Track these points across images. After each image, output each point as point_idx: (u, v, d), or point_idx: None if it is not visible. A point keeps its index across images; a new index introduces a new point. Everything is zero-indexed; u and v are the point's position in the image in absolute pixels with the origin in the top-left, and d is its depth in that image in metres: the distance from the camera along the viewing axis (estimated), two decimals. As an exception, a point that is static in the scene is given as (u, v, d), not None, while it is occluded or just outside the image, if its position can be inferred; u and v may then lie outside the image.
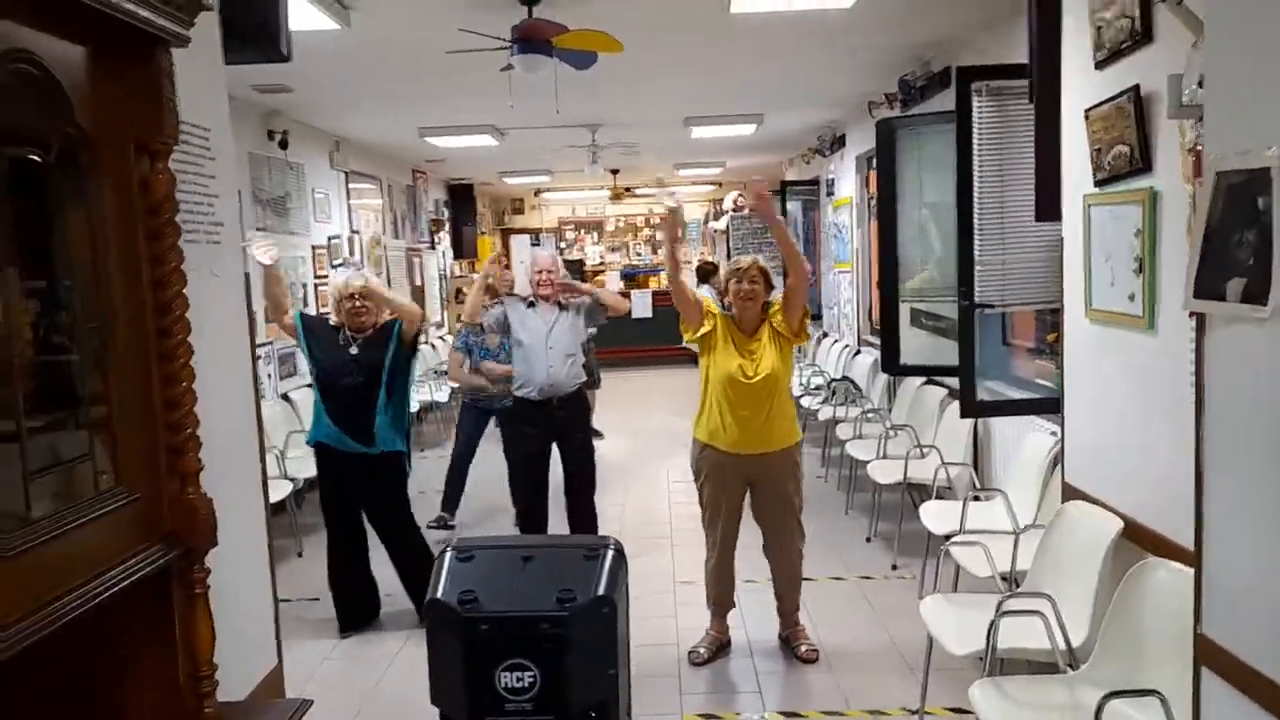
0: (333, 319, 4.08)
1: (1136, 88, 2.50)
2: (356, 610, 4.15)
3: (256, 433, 2.54)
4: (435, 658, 2.08)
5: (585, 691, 1.99)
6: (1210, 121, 1.84)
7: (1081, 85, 2.82)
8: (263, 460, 2.58)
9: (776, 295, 3.72)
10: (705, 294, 7.83)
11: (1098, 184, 2.75)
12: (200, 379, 1.70)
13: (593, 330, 5.21)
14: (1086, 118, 2.74)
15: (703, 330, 3.62)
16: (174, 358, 1.59)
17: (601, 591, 2.00)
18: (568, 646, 1.95)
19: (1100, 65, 2.70)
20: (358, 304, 3.92)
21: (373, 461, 3.97)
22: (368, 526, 4.15)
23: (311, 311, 6.58)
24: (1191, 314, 2.04)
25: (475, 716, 1.98)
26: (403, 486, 4.16)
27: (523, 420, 4.57)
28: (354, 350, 3.94)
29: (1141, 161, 2.51)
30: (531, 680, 1.95)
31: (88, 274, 1.52)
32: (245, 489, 2.45)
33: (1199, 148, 2.23)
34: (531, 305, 4.55)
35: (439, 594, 2.03)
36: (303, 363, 6.75)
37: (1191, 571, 2.14)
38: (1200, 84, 2.03)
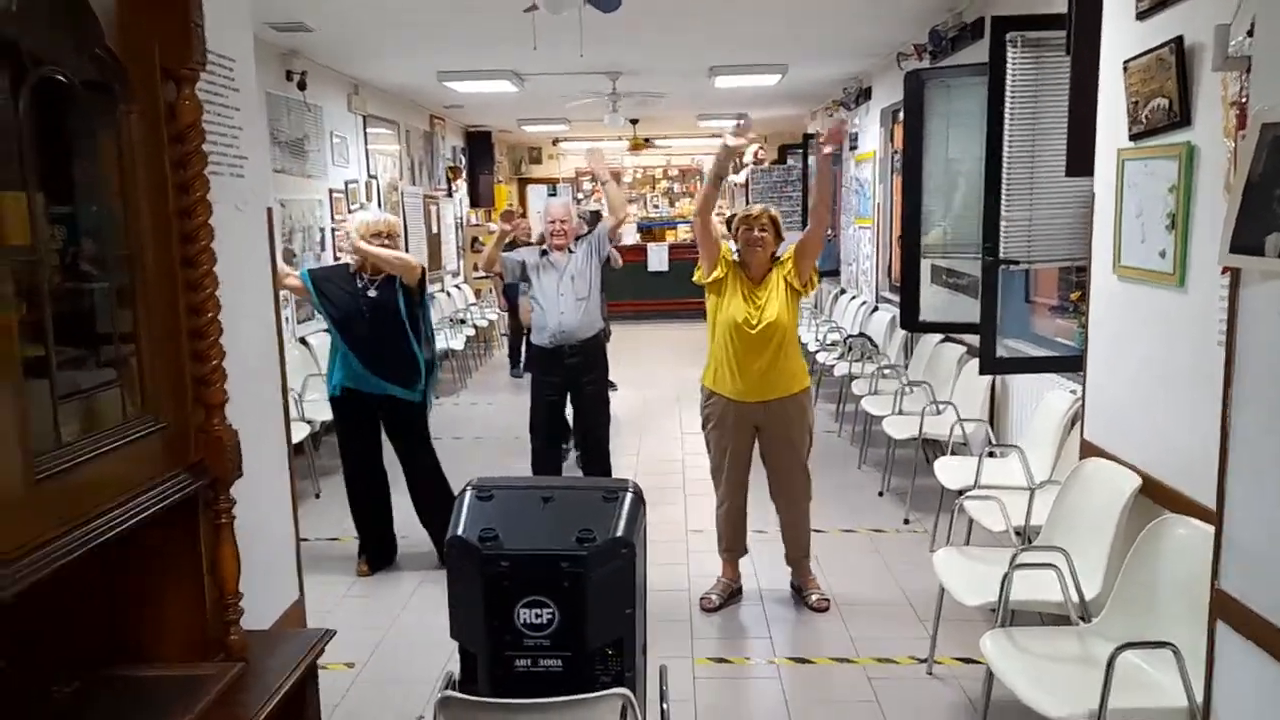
0: (349, 260, 4.06)
1: (1179, 39, 2.43)
2: (377, 552, 4.21)
3: (279, 369, 2.54)
4: (455, 594, 2.11)
5: (602, 629, 2.01)
6: (1258, 72, 1.79)
7: (1121, 36, 2.75)
8: (284, 396, 2.59)
9: (787, 247, 3.70)
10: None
11: (1133, 138, 2.69)
12: (224, 312, 1.70)
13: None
14: (1125, 69, 2.67)
15: (715, 275, 3.61)
16: (200, 288, 1.59)
17: (620, 533, 2.01)
18: (586, 585, 1.97)
19: (1142, 15, 2.62)
20: (383, 244, 3.91)
21: (397, 400, 4.01)
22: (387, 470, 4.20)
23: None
24: (1225, 270, 2.02)
25: (494, 651, 2.01)
26: (425, 422, 4.19)
27: (539, 367, 4.62)
28: (371, 293, 3.94)
29: (1180, 115, 2.45)
30: (550, 617, 1.98)
31: (114, 201, 1.51)
32: (268, 424, 2.47)
33: (1243, 100, 2.17)
34: (545, 254, 4.57)
35: (460, 531, 2.05)
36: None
37: (1209, 529, 2.14)
38: (1250, 33, 1.97)
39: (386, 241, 3.92)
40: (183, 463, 1.57)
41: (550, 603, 1.97)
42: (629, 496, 2.11)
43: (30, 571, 1.17)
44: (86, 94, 1.47)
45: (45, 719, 1.47)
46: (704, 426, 3.78)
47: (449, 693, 1.90)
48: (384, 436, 4.18)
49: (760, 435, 3.68)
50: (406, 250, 4.09)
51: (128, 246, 1.51)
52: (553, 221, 4.55)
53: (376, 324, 3.91)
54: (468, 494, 2.17)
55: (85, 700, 1.56)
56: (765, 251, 3.58)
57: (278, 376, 2.53)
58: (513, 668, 2.02)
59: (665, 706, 2.31)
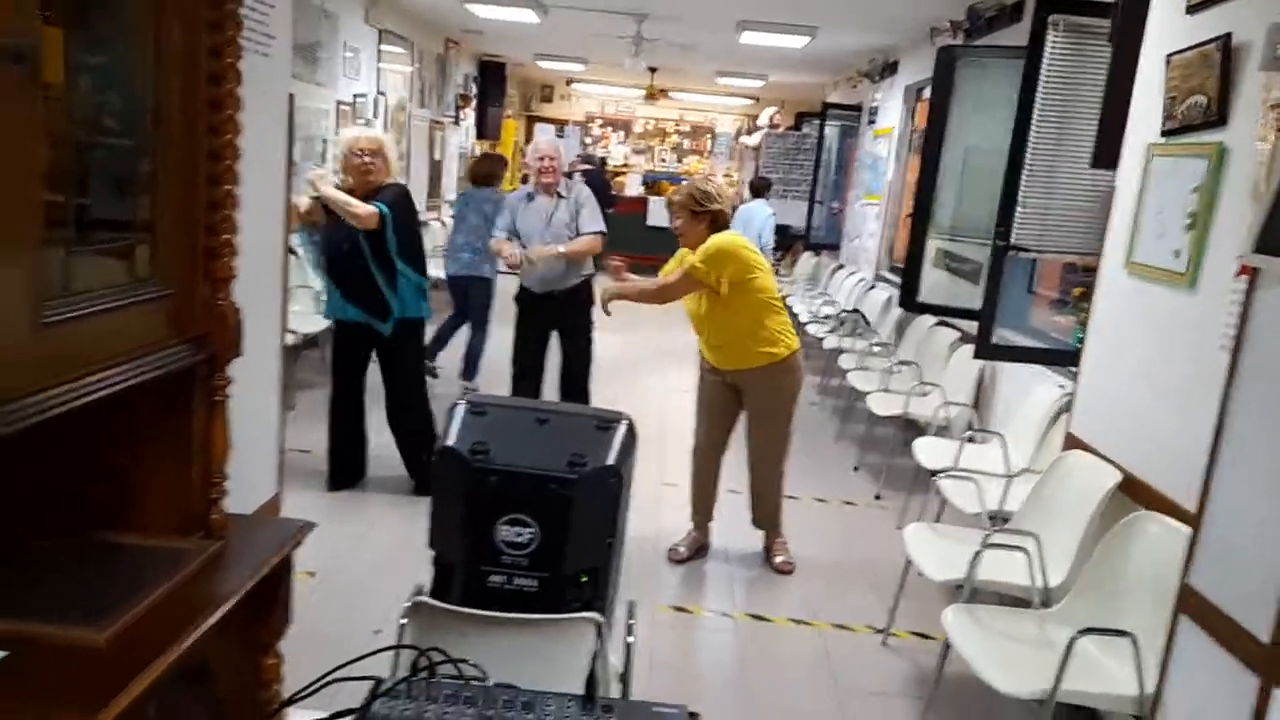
0: (338, 182, 3.96)
1: (1228, 36, 2.40)
2: (344, 467, 4.20)
3: (282, 260, 2.51)
4: (438, 503, 2.11)
5: (581, 555, 2.02)
6: (1307, 74, 1.78)
7: (1168, 29, 2.72)
8: (284, 290, 2.56)
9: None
10: (768, 210, 7.96)
11: (1165, 134, 2.68)
12: (240, 188, 1.66)
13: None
14: (1167, 63, 2.64)
15: (668, 272, 3.72)
16: (221, 157, 1.55)
17: (611, 461, 2.01)
18: (571, 509, 1.97)
19: (1192, 9, 2.59)
20: (367, 161, 3.82)
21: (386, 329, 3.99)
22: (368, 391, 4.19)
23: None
24: (1244, 270, 2.02)
25: (471, 563, 2.01)
26: (414, 353, 4.17)
27: (526, 309, 4.63)
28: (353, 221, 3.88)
29: (1217, 114, 2.44)
30: (531, 536, 1.98)
31: (146, 58, 1.46)
32: (267, 312, 2.44)
33: (1285, 104, 2.16)
34: (530, 197, 4.51)
35: (450, 441, 2.04)
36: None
37: (1182, 528, 2.18)
38: (1304, 33, 1.95)
39: (371, 160, 3.82)
40: (185, 334, 1.54)
41: (533, 522, 1.97)
42: (623, 428, 2.10)
43: (32, 413, 1.15)
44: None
45: (17, 568, 1.46)
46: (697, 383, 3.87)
47: (420, 598, 1.90)
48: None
49: (742, 400, 3.71)
50: (406, 172, 3.96)
51: (154, 105, 1.47)
52: (542, 158, 4.48)
53: (354, 254, 3.84)
54: (460, 408, 2.16)
55: (59, 558, 1.55)
56: (687, 239, 3.56)
57: (280, 267, 2.49)
58: (487, 583, 2.02)
59: (631, 640, 2.33)
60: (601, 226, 4.53)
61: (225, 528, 1.71)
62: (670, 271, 3.72)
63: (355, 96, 7.33)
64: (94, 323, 1.33)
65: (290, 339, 5.27)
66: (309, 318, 5.84)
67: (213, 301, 1.59)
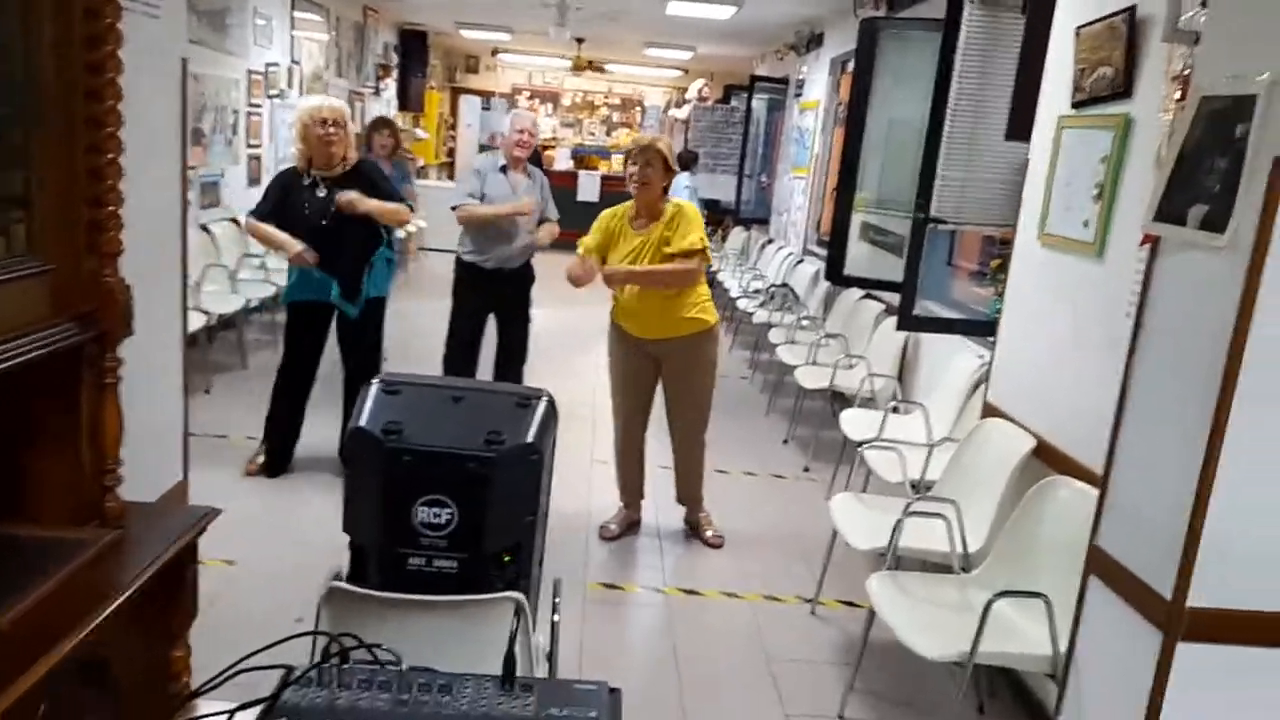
0: (295, 157, 3.82)
1: (1133, 9, 2.46)
2: (282, 453, 4.09)
3: (180, 231, 2.38)
4: (352, 487, 2.05)
5: (501, 534, 1.98)
6: (1206, 45, 1.83)
7: (1077, 1, 2.77)
8: (184, 266, 2.44)
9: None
10: (686, 181, 7.80)
11: (1074, 105, 2.73)
12: (127, 160, 1.56)
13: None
14: (1077, 35, 2.69)
15: (592, 248, 3.61)
16: (102, 124, 1.45)
17: (530, 439, 1.98)
18: (490, 488, 1.93)
19: (1100, -18, 2.64)
20: (330, 131, 3.68)
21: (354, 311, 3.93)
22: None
23: (226, 148, 6.39)
24: (1146, 239, 2.07)
25: (388, 547, 1.96)
26: (378, 331, 4.10)
27: (469, 285, 4.50)
28: (321, 193, 3.74)
29: (1123, 86, 2.49)
30: (449, 517, 1.94)
31: (13, 23, 1.36)
32: (164, 291, 2.33)
33: (1186, 73, 2.22)
34: (503, 170, 4.41)
35: (362, 422, 1.97)
36: (225, 194, 6.43)
37: (1091, 491, 2.24)
38: (1204, 3, 2.00)
39: (334, 130, 3.70)
40: (70, 311, 1.45)
41: (451, 503, 1.92)
42: (542, 404, 2.07)
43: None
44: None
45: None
46: (609, 359, 3.79)
47: (336, 584, 1.84)
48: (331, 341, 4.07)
49: (662, 372, 3.69)
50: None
51: (24, 68, 1.37)
52: (521, 132, 4.39)
53: (331, 229, 3.73)
54: (373, 387, 2.09)
55: (-61, 556, 1.45)
56: (651, 189, 3.46)
57: (179, 241, 2.37)
58: (405, 566, 1.97)
59: (556, 619, 2.30)
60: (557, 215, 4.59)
61: (122, 516, 1.62)
62: (591, 246, 3.63)
63: (268, 66, 7.06)
64: (-40, 301, 1.24)
65: (203, 320, 5.08)
66: (224, 298, 5.63)
67: (99, 277, 1.50)
